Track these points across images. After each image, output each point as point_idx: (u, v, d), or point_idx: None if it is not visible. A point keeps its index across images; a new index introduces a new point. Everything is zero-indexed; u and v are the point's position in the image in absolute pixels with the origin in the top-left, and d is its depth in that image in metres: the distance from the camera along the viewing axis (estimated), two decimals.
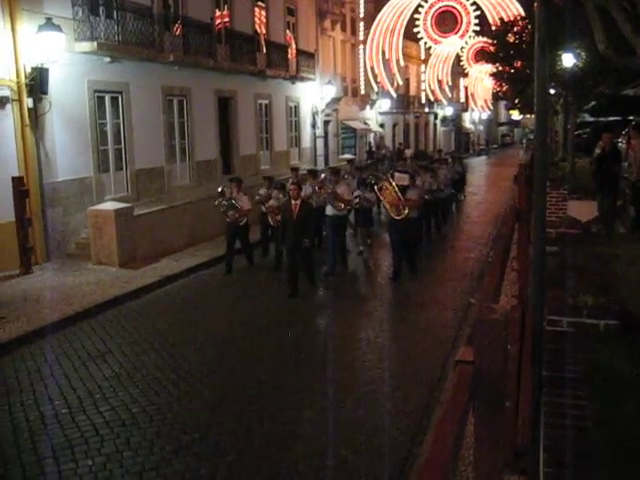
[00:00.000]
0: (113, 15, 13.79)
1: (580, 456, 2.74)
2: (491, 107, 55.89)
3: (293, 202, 10.40)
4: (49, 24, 11.53)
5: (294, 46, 23.75)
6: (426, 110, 44.24)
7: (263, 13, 21.35)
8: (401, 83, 35.97)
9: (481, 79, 45.19)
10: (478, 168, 39.49)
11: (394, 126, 38.81)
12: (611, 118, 21.41)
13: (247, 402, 6.51)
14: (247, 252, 12.54)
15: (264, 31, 21.26)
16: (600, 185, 11.16)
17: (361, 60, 31.72)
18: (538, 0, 3.49)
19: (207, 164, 18.26)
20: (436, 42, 35.78)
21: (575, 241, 6.83)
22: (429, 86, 40.94)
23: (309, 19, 25.74)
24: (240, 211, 11.92)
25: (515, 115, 54.39)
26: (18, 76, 11.78)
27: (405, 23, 32.76)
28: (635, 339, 4.01)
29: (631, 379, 3.50)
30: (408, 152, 34.45)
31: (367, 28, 31.74)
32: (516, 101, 28.92)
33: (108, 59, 13.79)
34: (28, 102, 11.88)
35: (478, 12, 33.41)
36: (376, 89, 33.17)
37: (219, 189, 12.22)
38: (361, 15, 31.61)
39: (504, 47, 18.63)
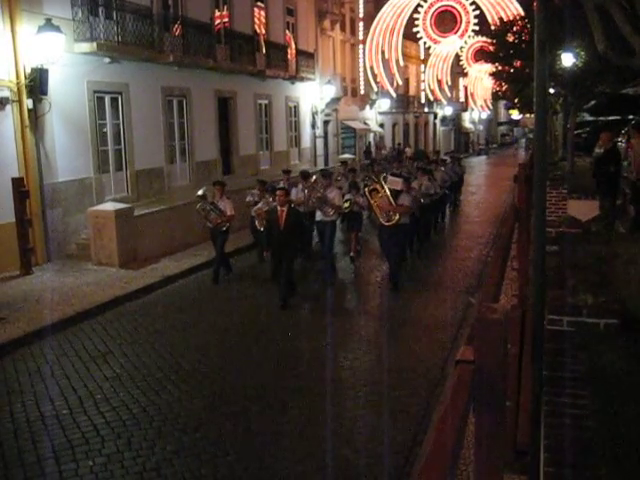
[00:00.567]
0: (113, 16, 13.79)
1: (580, 455, 2.74)
2: (491, 107, 55.86)
3: (279, 209, 9.80)
4: (49, 25, 11.53)
5: (293, 46, 23.75)
6: (426, 110, 44.22)
7: (262, 13, 21.34)
8: (400, 83, 35.98)
9: (480, 79, 45.20)
10: (478, 168, 39.50)
11: (394, 126, 38.83)
12: (611, 117, 21.42)
13: (248, 402, 6.52)
14: (221, 261, 11.56)
15: (263, 31, 21.26)
16: (600, 185, 11.17)
17: (361, 60, 31.71)
18: (537, 0, 3.49)
19: (207, 164, 18.26)
20: (435, 42, 35.81)
21: (575, 240, 6.83)
22: (429, 86, 40.93)
23: (308, 19, 25.72)
24: (223, 216, 11.17)
25: (515, 115, 54.45)
26: (18, 77, 11.78)
27: (404, 23, 32.77)
28: (635, 338, 4.01)
29: (631, 378, 3.50)
30: (409, 151, 34.44)
31: (366, 28, 31.74)
32: (516, 101, 28.93)
33: (108, 60, 13.78)
34: (28, 103, 11.89)
35: (477, 12, 33.43)
36: (376, 89, 33.17)
37: (199, 192, 11.37)
38: (360, 15, 31.61)
39: (503, 47, 18.61)
